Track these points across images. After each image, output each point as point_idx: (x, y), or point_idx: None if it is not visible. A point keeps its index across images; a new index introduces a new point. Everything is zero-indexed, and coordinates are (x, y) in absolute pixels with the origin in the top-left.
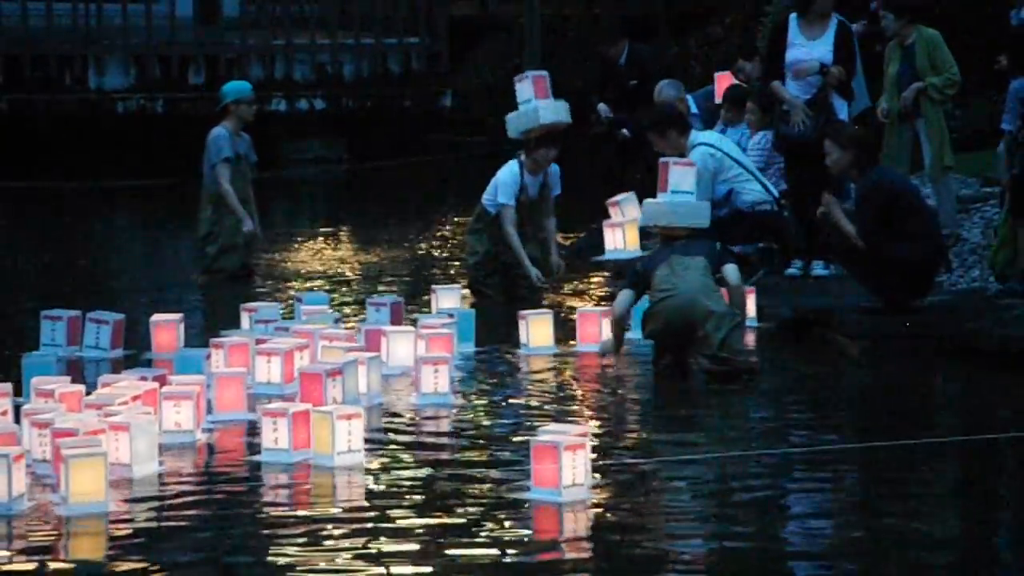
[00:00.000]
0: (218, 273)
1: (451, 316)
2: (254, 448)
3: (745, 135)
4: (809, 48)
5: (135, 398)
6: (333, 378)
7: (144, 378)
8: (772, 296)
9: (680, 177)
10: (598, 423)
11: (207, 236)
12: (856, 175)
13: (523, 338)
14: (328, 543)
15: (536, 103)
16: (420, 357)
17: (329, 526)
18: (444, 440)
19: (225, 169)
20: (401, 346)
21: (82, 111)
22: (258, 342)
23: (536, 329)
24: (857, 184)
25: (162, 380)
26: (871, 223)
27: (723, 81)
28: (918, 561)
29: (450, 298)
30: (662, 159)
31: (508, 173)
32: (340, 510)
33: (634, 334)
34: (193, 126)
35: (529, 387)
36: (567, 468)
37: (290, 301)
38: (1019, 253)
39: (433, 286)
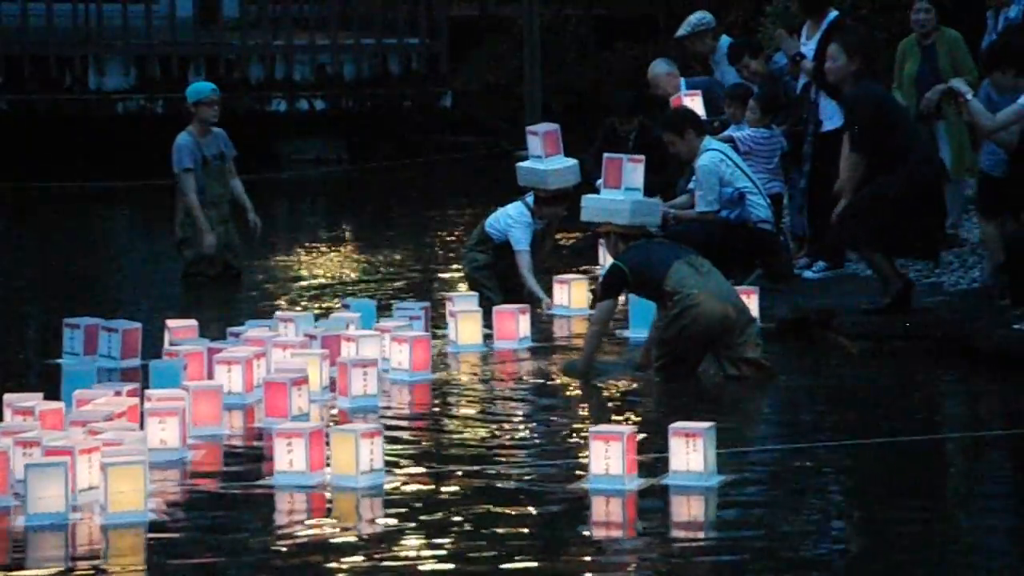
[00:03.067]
0: (197, 277)
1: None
2: (231, 463)
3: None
4: (807, 49)
5: (119, 414)
6: (298, 387)
7: (118, 392)
8: (772, 296)
9: (633, 174)
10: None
11: (183, 241)
12: (851, 86)
13: (451, 335)
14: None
15: (546, 168)
16: (349, 360)
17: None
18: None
19: (188, 179)
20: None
21: (82, 111)
22: (211, 352)
23: (464, 326)
24: (845, 93)
25: (134, 393)
26: (866, 128)
27: (675, 104)
28: (919, 561)
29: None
30: (611, 155)
31: (521, 217)
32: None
33: (631, 333)
34: None
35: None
36: None
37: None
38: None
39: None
